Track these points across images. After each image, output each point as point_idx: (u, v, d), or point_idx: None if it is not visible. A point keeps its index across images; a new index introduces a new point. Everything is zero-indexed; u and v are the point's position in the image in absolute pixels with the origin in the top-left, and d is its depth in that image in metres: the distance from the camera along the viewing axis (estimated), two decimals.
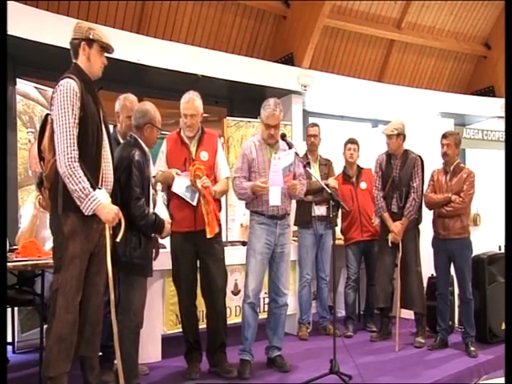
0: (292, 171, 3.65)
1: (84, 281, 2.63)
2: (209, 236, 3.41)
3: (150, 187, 3.15)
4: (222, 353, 3.64)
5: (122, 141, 3.39)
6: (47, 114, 2.70)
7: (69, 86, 2.53)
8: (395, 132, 4.39)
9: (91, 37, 2.67)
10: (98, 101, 2.75)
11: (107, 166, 2.70)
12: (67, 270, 2.53)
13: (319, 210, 4.71)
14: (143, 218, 2.96)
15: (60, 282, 2.53)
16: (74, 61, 2.71)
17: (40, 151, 2.67)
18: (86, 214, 2.51)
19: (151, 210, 3.07)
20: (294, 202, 4.34)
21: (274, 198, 3.58)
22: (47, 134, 2.62)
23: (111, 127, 3.75)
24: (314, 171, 4.67)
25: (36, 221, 3.83)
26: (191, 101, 3.56)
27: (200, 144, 3.61)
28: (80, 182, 2.48)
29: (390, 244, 4.38)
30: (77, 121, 2.53)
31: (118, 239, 2.70)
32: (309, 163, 4.61)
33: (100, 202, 2.53)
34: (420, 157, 4.47)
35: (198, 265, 3.62)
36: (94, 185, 2.57)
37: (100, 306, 2.77)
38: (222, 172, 3.66)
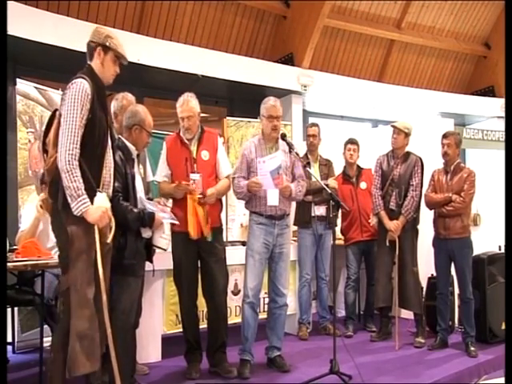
0: (281, 174, 3.61)
1: None
2: (192, 237, 3.40)
3: (137, 187, 3.10)
4: (222, 353, 3.64)
5: None
6: (55, 110, 2.70)
7: (82, 86, 2.54)
8: (406, 130, 4.42)
9: (108, 44, 2.69)
10: (107, 106, 2.77)
11: (108, 171, 2.69)
12: (75, 266, 2.51)
13: (319, 210, 4.71)
14: (122, 212, 2.89)
15: (70, 281, 2.50)
16: (88, 62, 2.72)
17: (44, 144, 2.67)
18: (74, 213, 2.48)
19: (138, 207, 3.03)
20: (293, 202, 4.34)
21: (272, 198, 3.59)
22: (53, 128, 2.62)
23: None
24: (314, 171, 4.67)
25: (38, 223, 3.81)
26: (186, 102, 3.55)
27: (200, 143, 3.60)
28: (75, 181, 2.46)
29: (387, 243, 4.39)
30: (84, 121, 2.53)
31: (108, 240, 2.64)
32: (309, 163, 4.62)
33: (89, 206, 2.49)
34: (421, 158, 4.48)
35: (199, 265, 3.62)
36: (95, 187, 2.56)
37: (103, 309, 2.75)
38: (223, 170, 3.66)
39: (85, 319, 2.51)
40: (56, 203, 2.56)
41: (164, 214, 3.18)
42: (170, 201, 3.68)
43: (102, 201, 2.55)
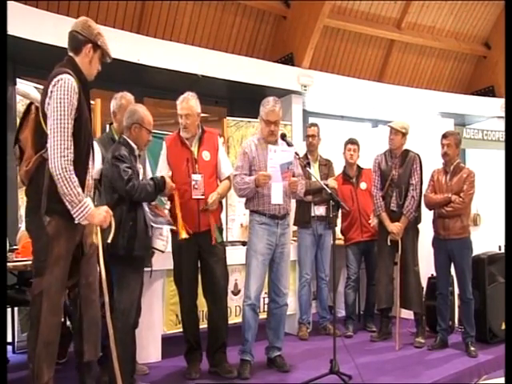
0: (291, 170, 3.62)
1: (78, 284, 2.61)
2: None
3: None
4: (222, 353, 3.64)
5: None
6: (30, 103, 2.62)
7: (70, 84, 2.45)
8: (403, 130, 4.42)
9: (99, 43, 2.64)
10: (90, 102, 2.70)
11: (90, 173, 2.65)
12: (52, 272, 2.45)
13: (318, 210, 4.70)
14: (142, 190, 3.01)
15: (44, 285, 2.45)
16: (70, 54, 2.63)
17: (18, 139, 2.59)
18: (76, 220, 2.44)
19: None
20: (293, 201, 4.34)
21: (276, 197, 3.57)
22: (30, 125, 2.55)
23: (107, 125, 3.75)
24: (314, 171, 4.67)
25: None
26: (185, 101, 3.54)
27: (201, 144, 3.59)
28: (75, 187, 2.41)
29: (389, 243, 4.39)
30: (73, 122, 2.46)
31: (109, 240, 2.67)
32: (309, 163, 4.62)
33: (91, 209, 2.48)
34: (418, 155, 4.48)
35: (199, 265, 3.62)
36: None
37: (98, 307, 2.75)
38: (224, 170, 3.66)
39: (54, 327, 2.48)
40: (37, 206, 2.48)
41: (161, 219, 3.17)
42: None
43: (91, 204, 2.54)
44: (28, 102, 4.53)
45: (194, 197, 3.47)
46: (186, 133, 3.56)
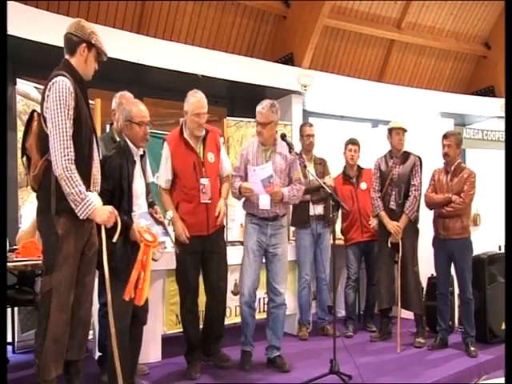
0: (273, 182, 3.62)
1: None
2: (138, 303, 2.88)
3: (137, 190, 3.03)
4: (217, 344, 3.70)
5: (118, 139, 3.36)
6: (33, 111, 2.65)
7: (64, 85, 2.49)
8: (406, 128, 4.47)
9: (93, 42, 2.65)
10: (88, 101, 2.72)
11: (96, 168, 2.68)
12: (61, 270, 2.50)
13: (317, 210, 4.69)
14: None
15: (53, 283, 2.49)
16: (66, 56, 2.65)
17: (24, 148, 2.62)
18: (80, 217, 2.48)
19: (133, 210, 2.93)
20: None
21: (264, 203, 3.63)
22: (33, 131, 2.57)
23: (108, 125, 3.75)
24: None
25: None
26: (202, 99, 3.55)
27: (205, 145, 3.59)
28: (77, 186, 2.45)
29: (389, 245, 4.39)
30: (71, 121, 2.49)
31: (114, 239, 2.67)
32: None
33: (95, 206, 2.51)
34: (419, 158, 4.48)
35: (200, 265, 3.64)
36: (86, 187, 2.54)
37: (91, 307, 2.76)
38: (225, 169, 3.71)
39: (62, 324, 2.50)
40: (47, 208, 2.52)
41: (157, 228, 3.04)
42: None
43: (95, 200, 2.55)
44: (29, 102, 4.58)
45: (202, 201, 3.48)
46: (200, 131, 3.55)
